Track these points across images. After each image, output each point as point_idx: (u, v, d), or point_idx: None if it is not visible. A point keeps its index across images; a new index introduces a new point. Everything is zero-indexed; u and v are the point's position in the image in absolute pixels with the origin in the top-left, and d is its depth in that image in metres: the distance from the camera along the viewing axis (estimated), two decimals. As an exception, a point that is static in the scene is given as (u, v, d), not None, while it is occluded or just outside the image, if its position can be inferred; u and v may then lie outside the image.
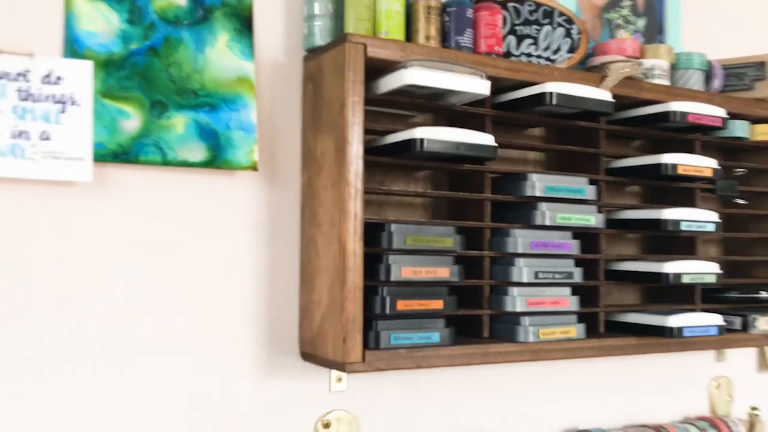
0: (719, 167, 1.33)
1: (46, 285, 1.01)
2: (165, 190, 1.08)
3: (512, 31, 1.29)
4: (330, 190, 1.08)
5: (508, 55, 1.28)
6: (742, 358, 1.64)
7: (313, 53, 1.15)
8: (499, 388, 1.34)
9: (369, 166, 1.20)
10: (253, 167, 1.11)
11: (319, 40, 1.13)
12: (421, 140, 1.04)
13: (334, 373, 1.19)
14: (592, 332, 1.27)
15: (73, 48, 1.03)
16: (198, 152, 1.08)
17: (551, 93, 1.15)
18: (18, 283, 1.00)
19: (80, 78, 1.02)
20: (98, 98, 1.03)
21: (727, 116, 1.34)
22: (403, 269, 1.06)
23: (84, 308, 1.03)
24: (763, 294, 1.43)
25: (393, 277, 1.06)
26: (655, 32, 1.49)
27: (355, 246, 1.04)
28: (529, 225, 1.20)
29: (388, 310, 1.05)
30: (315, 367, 1.17)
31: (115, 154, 1.03)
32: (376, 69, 1.10)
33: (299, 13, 1.18)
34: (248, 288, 1.13)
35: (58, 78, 1.01)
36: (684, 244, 1.42)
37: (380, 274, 1.07)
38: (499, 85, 1.21)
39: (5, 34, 1.00)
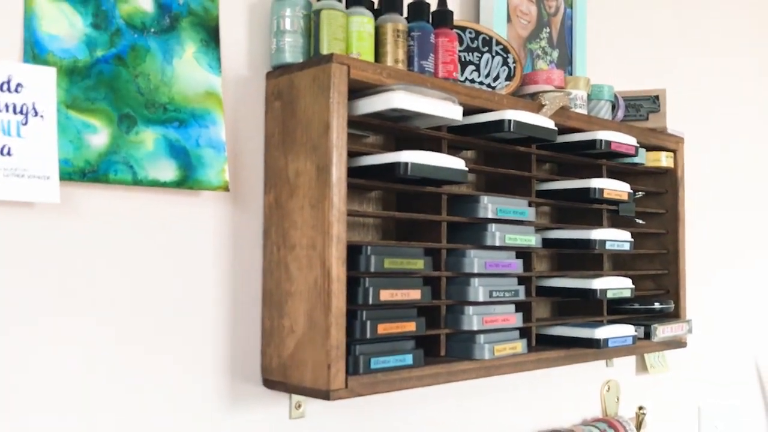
0: (632, 191, 1.46)
1: (4, 312, 0.90)
2: (134, 212, 1.00)
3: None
4: (308, 212, 1.05)
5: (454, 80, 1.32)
6: (624, 363, 1.80)
7: (281, 70, 1.11)
8: (420, 405, 1.37)
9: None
10: (225, 187, 1.06)
11: (290, 57, 1.10)
12: (406, 164, 1.05)
13: (294, 399, 1.16)
14: (529, 346, 1.35)
15: (34, 52, 0.92)
16: (168, 171, 1.01)
17: (510, 120, 1.21)
18: (-30, 317, 0.87)
19: (43, 86, 0.91)
20: (62, 109, 0.93)
21: (638, 145, 1.47)
22: (382, 292, 1.06)
23: (42, 336, 0.93)
24: (657, 305, 1.59)
25: (372, 300, 1.06)
26: (566, 63, 1.61)
27: (339, 270, 1.02)
28: (481, 245, 1.25)
29: (369, 334, 1.05)
30: (273, 394, 1.14)
31: (83, 172, 0.94)
32: (351, 90, 1.09)
33: (264, 27, 1.14)
34: (211, 314, 1.08)
35: (18, 85, 0.90)
36: (592, 260, 1.54)
37: (359, 298, 1.06)
38: (452, 110, 1.25)
39: (-43, 33, 0.88)
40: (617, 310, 1.57)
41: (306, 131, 1.07)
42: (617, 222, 1.71)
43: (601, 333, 1.36)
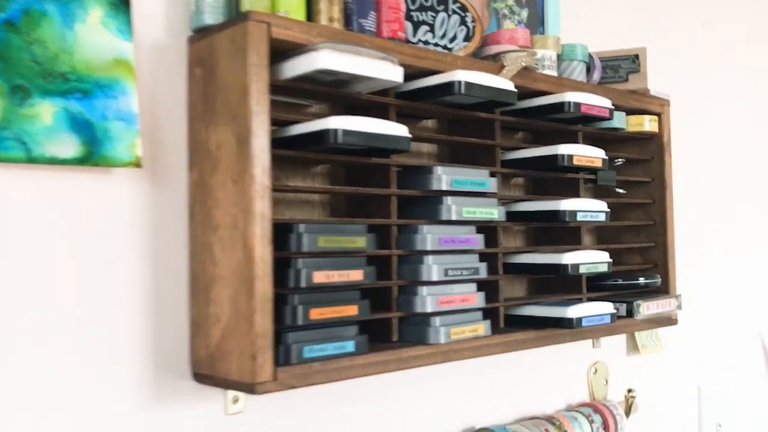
0: (607, 157, 1.34)
1: None
2: (30, 192, 0.91)
3: (408, 17, 1.22)
4: (230, 188, 0.95)
5: (406, 42, 1.21)
6: (613, 343, 1.69)
7: (201, 33, 1.01)
8: (396, 392, 1.28)
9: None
10: (136, 164, 0.96)
11: (210, 18, 1.00)
12: (335, 131, 0.95)
13: (230, 394, 1.07)
14: (494, 327, 1.25)
15: None
16: (70, 147, 0.91)
17: (460, 82, 1.10)
18: None
19: None
20: (-59, 80, 0.84)
21: (613, 107, 1.36)
22: (315, 274, 0.97)
23: (-70, 339, 0.84)
24: (642, 280, 1.48)
25: (304, 283, 0.96)
26: (537, 23, 1.49)
27: (263, 251, 0.92)
28: (435, 220, 1.14)
29: (300, 321, 0.95)
30: (208, 388, 1.05)
31: (-34, 149, 0.85)
32: (276, 52, 0.99)
33: (183, -13, 1.04)
34: (129, 302, 0.98)
35: None
36: (570, 234, 1.43)
37: (290, 281, 0.96)
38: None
39: None
40: (598, 286, 1.46)
41: (226, 99, 0.97)
42: (600, 193, 1.60)
43: (574, 312, 1.25)
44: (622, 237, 1.63)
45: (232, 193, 0.95)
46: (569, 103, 1.27)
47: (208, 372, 0.99)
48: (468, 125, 1.31)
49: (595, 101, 1.31)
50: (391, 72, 1.00)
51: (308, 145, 0.98)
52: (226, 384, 0.96)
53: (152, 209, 1.01)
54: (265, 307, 0.92)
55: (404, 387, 1.29)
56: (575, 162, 1.27)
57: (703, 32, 2.03)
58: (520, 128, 1.45)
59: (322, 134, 0.95)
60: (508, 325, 1.29)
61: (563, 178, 1.43)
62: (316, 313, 0.96)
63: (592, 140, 1.62)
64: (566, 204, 1.25)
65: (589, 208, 1.29)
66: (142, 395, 0.99)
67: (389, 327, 1.12)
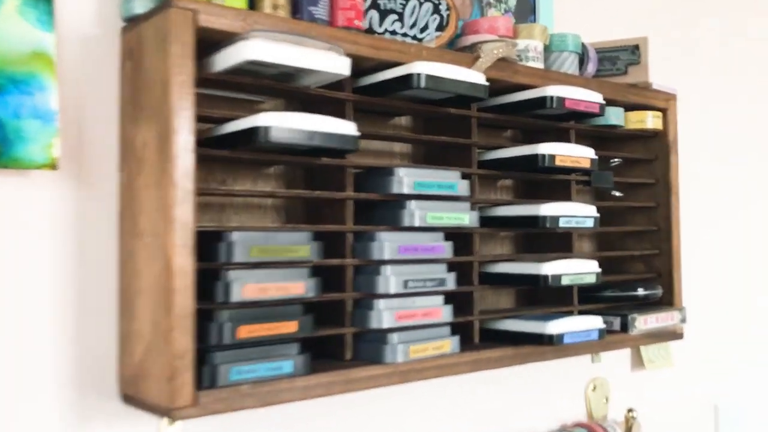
0: (596, 157, 1.22)
1: None
2: (-71, 195, 0.84)
3: (374, 5, 1.12)
4: (153, 192, 0.87)
5: (370, 32, 1.11)
6: (616, 357, 1.57)
7: (132, 23, 0.93)
8: (362, 414, 1.18)
9: (206, 162, 1.00)
10: (51, 165, 0.88)
11: (140, 6, 0.92)
12: (266, 128, 0.85)
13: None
14: (466, 344, 1.14)
15: None
16: (-24, 146, 0.84)
17: (419, 74, 1.00)
18: None
19: None
20: None
21: (604, 102, 1.24)
22: (247, 287, 0.88)
23: None
24: (641, 291, 1.35)
25: (234, 298, 0.87)
26: (527, 12, 1.38)
27: (183, 262, 0.84)
28: (397, 227, 1.04)
29: (227, 339, 0.86)
30: (137, 410, 0.96)
31: None
32: (212, 43, 0.90)
33: (113, -26, 0.96)
34: (50, 316, 0.91)
35: None
36: (560, 241, 1.31)
37: (217, 295, 0.87)
38: (361, 66, 1.05)
39: None
40: (592, 298, 1.34)
41: (150, 94, 0.88)
42: (598, 196, 1.48)
43: (553, 327, 1.14)
44: (625, 243, 1.50)
45: (155, 198, 0.86)
46: (551, 97, 1.15)
47: (133, 393, 0.91)
48: (444, 123, 1.21)
49: (582, 95, 1.19)
50: (334, 63, 0.90)
51: (239, 144, 0.89)
52: (146, 407, 0.88)
53: (77, 215, 0.93)
54: (184, 324, 0.83)
55: (379, 404, 1.19)
56: (558, 162, 1.15)
57: (711, 21, 1.88)
58: (509, 126, 1.34)
59: (252, 132, 0.86)
60: (485, 340, 1.19)
61: (555, 180, 1.31)
62: (246, 331, 0.87)
63: (592, 139, 1.50)
64: (547, 209, 1.14)
65: (574, 213, 1.17)
66: (63, 418, 0.91)
67: (342, 344, 1.03)
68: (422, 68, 0.99)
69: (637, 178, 1.46)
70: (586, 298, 1.33)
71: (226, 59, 0.87)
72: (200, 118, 0.93)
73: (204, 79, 0.92)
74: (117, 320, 0.95)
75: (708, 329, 1.77)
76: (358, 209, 1.08)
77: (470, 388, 1.32)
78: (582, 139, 1.46)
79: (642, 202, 1.47)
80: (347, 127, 0.92)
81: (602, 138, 1.50)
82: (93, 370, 0.93)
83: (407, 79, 1.00)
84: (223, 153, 0.91)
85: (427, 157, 1.24)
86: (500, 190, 1.36)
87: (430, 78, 1.00)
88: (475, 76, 1.06)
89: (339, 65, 0.91)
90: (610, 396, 1.54)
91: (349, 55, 0.99)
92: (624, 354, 1.59)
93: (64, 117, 0.91)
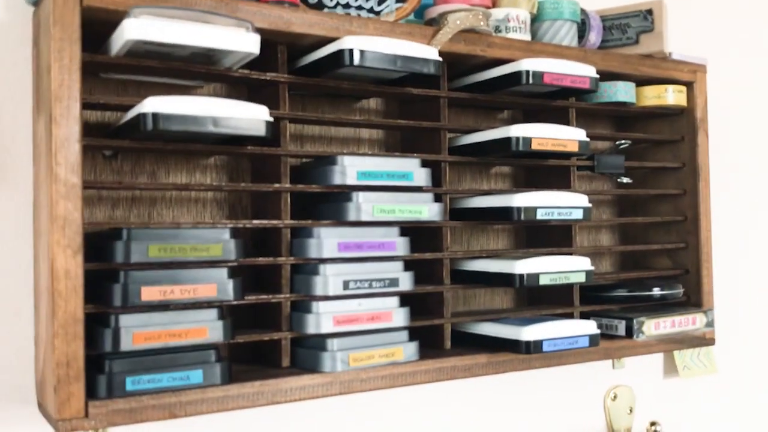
0: (587, 139, 1.07)
1: None
2: None
3: (325, -23, 1.02)
4: (45, 187, 0.81)
5: (320, 6, 1.01)
6: (644, 362, 1.40)
7: (37, 8, 0.87)
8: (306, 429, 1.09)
9: (131, 154, 0.94)
10: (-52, 160, 0.83)
11: (41, -12, 0.86)
12: (154, 115, 0.77)
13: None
14: (433, 349, 1.02)
15: None
16: None
17: (352, 50, 0.89)
18: None
19: None
20: None
21: (597, 76, 1.08)
22: (145, 290, 0.80)
23: None
24: (657, 291, 1.19)
25: (131, 301, 0.80)
26: (522, -22, 1.23)
27: (68, 263, 0.77)
28: (342, 221, 0.94)
29: (123, 346, 0.79)
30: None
31: None
32: (111, 24, 0.83)
33: (22, -45, 0.91)
34: (-37, 318, 0.86)
35: None
36: (559, 235, 1.17)
37: (114, 299, 0.80)
38: (297, 45, 0.95)
39: None
40: (601, 299, 1.19)
41: (43, 81, 0.82)
42: (616, 182, 1.32)
43: (529, 333, 1.00)
44: (650, 235, 1.33)
45: (45, 194, 0.80)
46: (526, 72, 1.01)
47: (41, 400, 0.86)
48: (417, 105, 1.09)
49: (566, 69, 1.04)
50: (238, 41, 0.81)
51: (127, 134, 0.82)
52: (47, 417, 0.82)
53: (-12, 212, 0.88)
54: (70, 330, 0.77)
55: (344, 414, 1.09)
56: (536, 146, 1.01)
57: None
58: (500, 107, 1.21)
59: (137, 120, 0.78)
60: (460, 346, 1.06)
61: (554, 167, 1.17)
62: (143, 338, 0.79)
63: (610, 118, 1.34)
64: (521, 199, 1.00)
65: (557, 204, 1.03)
66: (-26, 424, 0.87)
67: (278, 351, 0.93)
68: (354, 43, 0.88)
69: (661, 162, 1.29)
70: (594, 299, 1.18)
71: (116, 41, 0.80)
72: (115, 107, 0.87)
73: (112, 64, 0.85)
74: (33, 324, 0.90)
75: (752, 333, 1.56)
76: (306, 203, 0.99)
77: (464, 395, 1.19)
78: (595, 119, 1.31)
79: (667, 188, 1.29)
80: (257, 112, 0.82)
81: (620, 118, 1.34)
82: (10, 375, 0.88)
83: (339, 55, 0.89)
84: (121, 143, 0.84)
85: (402, 144, 1.13)
86: (494, 178, 1.23)
87: (367, 54, 0.89)
88: (424, 50, 0.93)
89: (244, 42, 0.81)
90: (635, 406, 1.37)
91: (279, 32, 0.90)
92: (655, 359, 1.42)
93: (-32, 110, 0.87)
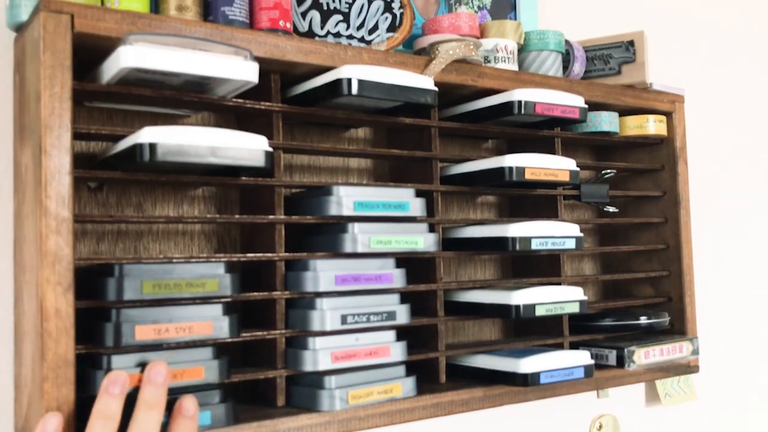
0: (577, 169, 1.07)
1: None
2: None
3: (316, 5, 1.00)
4: (31, 221, 0.76)
5: (311, 35, 1.00)
6: (627, 391, 1.40)
7: (20, 33, 0.83)
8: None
9: (120, 184, 0.90)
10: (-75, 193, 0.78)
11: (25, 13, 0.82)
12: (152, 146, 0.74)
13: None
14: (428, 384, 1.00)
15: None
16: None
17: (349, 80, 0.87)
18: None
19: None
20: None
21: (586, 106, 1.09)
22: (139, 329, 0.76)
23: None
24: (644, 319, 1.19)
25: (126, 341, 0.75)
26: (506, 9, 1.24)
27: (58, 301, 0.73)
28: (338, 253, 0.91)
29: (116, 388, 0.75)
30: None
31: None
32: (102, 51, 0.80)
33: (4, -21, 0.87)
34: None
35: None
36: (548, 264, 1.16)
37: (106, 338, 0.76)
38: (291, 73, 0.93)
39: None
40: (588, 328, 1.18)
41: (28, 110, 0.78)
42: (600, 211, 1.32)
43: (528, 365, 0.99)
44: (632, 264, 1.34)
45: (32, 228, 0.76)
46: (519, 102, 1.01)
47: (22, 449, 0.80)
48: (406, 135, 1.08)
49: (556, 99, 1.04)
50: (236, 69, 0.78)
51: (125, 165, 0.78)
52: (31, 467, 0.77)
53: (-35, 247, 0.83)
54: (60, 374, 0.72)
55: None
56: (529, 176, 1.01)
57: (720, 10, 1.69)
58: (486, 136, 1.20)
59: (134, 151, 0.74)
60: (455, 378, 1.04)
61: (540, 196, 1.16)
62: (136, 380, 0.75)
63: (590, 148, 1.35)
64: (516, 229, 0.99)
65: (550, 234, 1.02)
66: (-53, 476, 0.81)
67: (274, 390, 0.90)
68: (352, 72, 0.87)
69: (641, 191, 1.30)
70: (582, 328, 1.18)
71: (109, 69, 0.76)
72: (104, 137, 0.83)
73: (101, 93, 0.81)
74: (13, 366, 0.85)
75: (732, 359, 1.58)
76: (300, 235, 0.96)
77: (452, 428, 1.17)
78: (577, 148, 1.32)
79: (648, 217, 1.30)
80: (257, 142, 0.80)
81: (601, 147, 1.35)
82: (-16, 422, 0.83)
83: (336, 85, 0.87)
84: (113, 174, 0.80)
85: (392, 173, 1.12)
86: (480, 208, 1.22)
87: (363, 83, 0.88)
88: (421, 80, 0.92)
89: (243, 71, 0.79)
90: (620, 436, 1.37)
91: (273, 60, 0.88)
92: (637, 387, 1.42)
93: (-55, 140, 0.82)
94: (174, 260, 0.80)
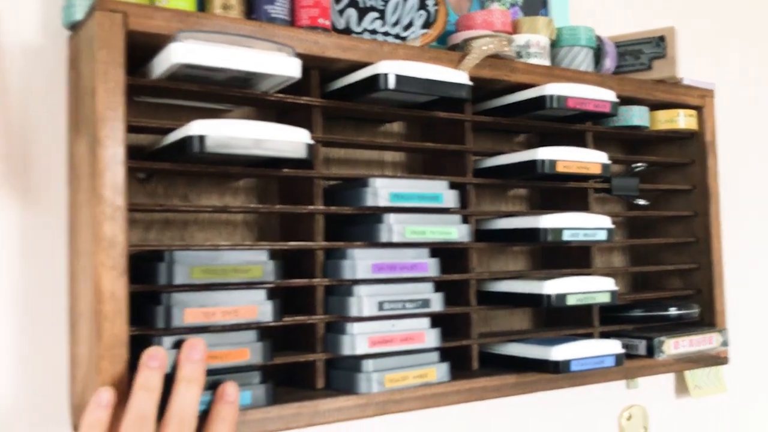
0: (609, 162, 1.09)
1: None
2: None
3: (353, 3, 1.04)
4: (86, 209, 0.81)
5: (348, 32, 1.03)
6: (656, 383, 1.42)
7: (75, 31, 0.88)
8: (355, 444, 1.08)
9: (169, 176, 0.94)
10: (-12, 183, 0.83)
11: (80, 12, 0.86)
12: (201, 138, 0.78)
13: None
14: (461, 370, 1.03)
15: None
16: None
17: (386, 75, 0.90)
18: None
19: None
20: None
21: (617, 100, 1.11)
22: (188, 312, 0.80)
23: None
24: (674, 311, 1.21)
25: (175, 323, 0.79)
26: (537, 6, 1.26)
27: (114, 285, 0.77)
28: (374, 243, 0.95)
29: (167, 368, 0.79)
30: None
31: None
32: (152, 48, 0.84)
33: (60, -20, 0.91)
34: (-3, 342, 0.86)
35: None
36: (578, 256, 1.18)
37: (157, 321, 0.80)
38: (330, 69, 0.96)
39: None
40: (619, 319, 1.20)
41: (84, 104, 0.82)
42: (630, 204, 1.34)
43: (559, 352, 1.01)
44: (661, 257, 1.36)
45: (88, 215, 0.80)
46: (551, 96, 1.04)
47: (77, 423, 0.85)
48: (440, 129, 1.11)
49: (588, 93, 1.06)
50: (281, 65, 0.82)
51: (174, 156, 0.82)
52: (86, 441, 0.81)
53: (23, 234, 0.88)
54: (115, 353, 0.77)
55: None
56: (561, 169, 1.03)
57: (750, 6, 1.70)
58: (517, 130, 1.23)
59: (185, 143, 0.78)
60: (488, 366, 1.07)
61: (570, 189, 1.19)
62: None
63: (620, 142, 1.36)
64: (548, 221, 1.02)
65: (582, 225, 1.04)
66: (7, 449, 0.86)
67: (313, 372, 0.93)
68: (389, 68, 0.90)
69: (671, 185, 1.31)
70: (612, 319, 1.20)
71: (159, 64, 0.80)
72: (151, 130, 0.87)
73: (148, 87, 0.85)
74: (68, 344, 0.89)
75: (762, 352, 1.59)
76: (338, 225, 0.99)
77: (476, 419, 1.20)
78: (605, 142, 1.33)
79: (678, 210, 1.32)
80: (299, 135, 0.83)
81: (631, 141, 1.37)
82: (43, 397, 0.88)
83: (374, 80, 0.91)
84: (163, 165, 0.84)
85: (425, 166, 1.15)
86: (511, 200, 1.24)
87: (401, 78, 0.91)
88: (456, 75, 0.95)
89: (287, 67, 0.83)
90: (649, 426, 1.39)
91: (313, 57, 0.91)
92: (667, 379, 1.43)
93: (8, 132, 0.87)
94: (220, 247, 0.84)
